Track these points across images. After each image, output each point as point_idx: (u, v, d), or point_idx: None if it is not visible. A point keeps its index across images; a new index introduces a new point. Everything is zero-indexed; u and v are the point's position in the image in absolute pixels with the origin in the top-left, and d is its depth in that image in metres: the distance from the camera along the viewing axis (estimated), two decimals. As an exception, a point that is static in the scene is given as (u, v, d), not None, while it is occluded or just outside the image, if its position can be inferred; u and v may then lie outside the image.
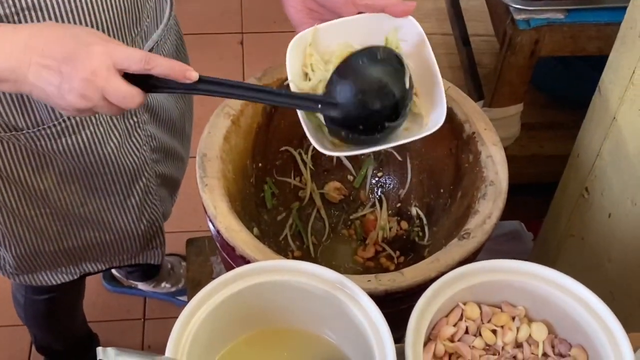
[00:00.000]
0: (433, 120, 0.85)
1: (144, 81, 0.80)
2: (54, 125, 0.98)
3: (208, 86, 0.82)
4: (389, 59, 0.84)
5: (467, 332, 0.75)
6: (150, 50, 1.07)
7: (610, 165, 1.12)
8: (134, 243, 1.22)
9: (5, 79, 0.78)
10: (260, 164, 1.09)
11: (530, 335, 0.76)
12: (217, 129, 0.99)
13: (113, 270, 1.78)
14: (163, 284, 1.78)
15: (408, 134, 0.86)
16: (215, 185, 0.94)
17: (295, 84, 0.86)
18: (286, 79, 0.85)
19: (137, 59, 0.78)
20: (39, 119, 0.97)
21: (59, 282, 1.23)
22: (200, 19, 2.46)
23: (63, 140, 1.00)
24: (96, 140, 1.03)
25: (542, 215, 1.40)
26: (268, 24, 2.49)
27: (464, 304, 0.76)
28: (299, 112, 0.86)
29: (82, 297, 1.52)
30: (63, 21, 0.89)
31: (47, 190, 1.07)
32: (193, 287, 1.33)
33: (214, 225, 0.92)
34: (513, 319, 0.76)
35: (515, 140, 1.45)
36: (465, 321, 0.75)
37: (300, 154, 1.13)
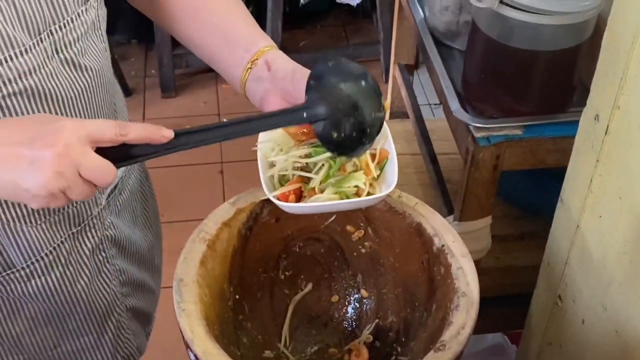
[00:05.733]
0: (387, 186, 0.94)
1: (116, 154, 0.76)
2: (25, 267, 0.98)
3: (186, 138, 0.80)
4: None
5: None
6: (113, 190, 1.09)
7: (578, 272, 1.14)
8: None
9: None
10: (238, 288, 1.11)
11: None
12: (193, 253, 1.01)
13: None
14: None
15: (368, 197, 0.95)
16: (192, 310, 0.95)
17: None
18: (261, 201, 0.90)
19: (109, 127, 0.74)
20: (9, 263, 0.97)
21: None
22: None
23: (33, 282, 0.99)
24: (66, 280, 1.03)
25: (523, 326, 1.40)
26: (247, 152, 2.55)
27: (439, 414, 0.76)
28: (260, 162, 0.97)
29: None
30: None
31: (20, 335, 1.05)
32: (175, 416, 1.30)
33: (191, 350, 0.92)
34: None
35: (488, 253, 1.47)
36: None
37: (274, 274, 1.15)
